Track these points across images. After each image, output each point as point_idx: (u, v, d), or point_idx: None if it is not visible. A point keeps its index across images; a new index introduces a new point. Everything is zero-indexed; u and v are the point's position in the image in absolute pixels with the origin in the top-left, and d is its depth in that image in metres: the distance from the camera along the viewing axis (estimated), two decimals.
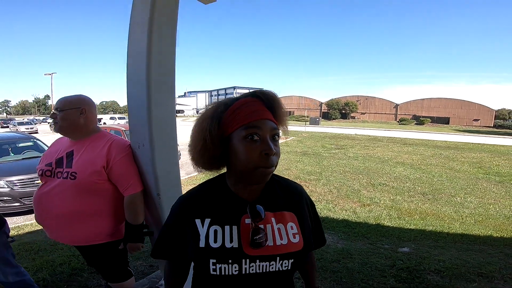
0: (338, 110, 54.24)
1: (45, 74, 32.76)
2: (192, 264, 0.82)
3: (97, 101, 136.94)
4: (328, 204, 5.95)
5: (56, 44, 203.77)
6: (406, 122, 46.85)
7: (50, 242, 3.65)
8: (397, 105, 51.59)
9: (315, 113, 57.47)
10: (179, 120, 49.86)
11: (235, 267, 0.74)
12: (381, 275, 2.65)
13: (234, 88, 77.61)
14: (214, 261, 0.74)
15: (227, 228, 0.77)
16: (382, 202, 6.30)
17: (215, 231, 0.76)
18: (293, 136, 20.42)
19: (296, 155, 12.19)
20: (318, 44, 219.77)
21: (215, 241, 0.75)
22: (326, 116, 55.16)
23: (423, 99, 49.46)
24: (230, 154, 0.76)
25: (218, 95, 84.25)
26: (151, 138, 1.45)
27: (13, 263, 1.80)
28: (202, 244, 0.76)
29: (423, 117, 46.89)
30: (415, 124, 46.23)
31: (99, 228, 1.53)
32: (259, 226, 0.75)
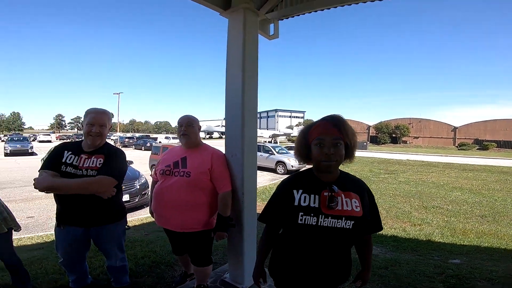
0: (388, 134, 51.54)
1: (114, 93, 37.58)
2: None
3: (152, 121, 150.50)
4: None
5: (121, 67, 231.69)
6: (466, 147, 42.11)
7: (131, 238, 4.33)
8: (455, 128, 47.16)
9: (362, 137, 55.31)
10: (223, 141, 52.33)
11: (314, 219, 1.17)
12: (429, 280, 2.70)
13: (276, 111, 78.99)
14: (302, 213, 1.18)
15: (312, 195, 1.21)
16: (434, 222, 6.04)
17: (305, 197, 1.22)
18: None
19: None
20: (364, 62, 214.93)
21: (304, 202, 1.21)
22: (374, 140, 52.75)
23: (487, 121, 44.58)
24: (312, 154, 1.24)
25: (260, 117, 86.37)
26: (242, 150, 1.97)
27: (124, 250, 2.16)
28: (296, 203, 1.21)
29: (486, 141, 41.87)
30: (477, 149, 41.44)
31: (200, 217, 2.02)
32: (334, 196, 1.19)
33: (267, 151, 14.56)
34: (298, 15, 2.56)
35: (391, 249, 4.19)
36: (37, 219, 6.01)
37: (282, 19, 2.65)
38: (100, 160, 1.86)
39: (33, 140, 33.68)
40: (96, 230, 1.92)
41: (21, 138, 25.48)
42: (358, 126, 58.19)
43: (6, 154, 20.32)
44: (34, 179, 1.74)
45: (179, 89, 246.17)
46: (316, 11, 2.46)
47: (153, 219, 2.20)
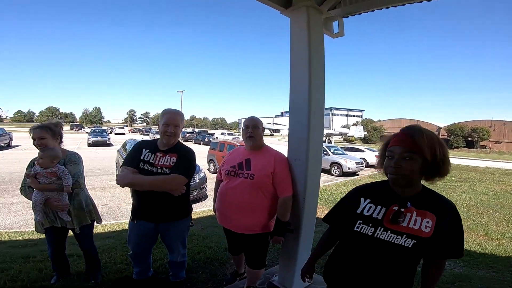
0: (463, 137, 45.38)
1: (177, 91, 40.35)
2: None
3: (209, 117, 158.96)
4: None
5: (183, 66, 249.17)
6: None
7: (189, 232, 4.59)
8: None
9: None
10: (275, 139, 52.46)
11: (371, 230, 1.13)
12: None
13: (330, 109, 75.61)
14: (360, 221, 1.17)
15: (378, 207, 1.17)
16: None
17: (370, 207, 1.19)
18: None
19: None
20: (435, 59, 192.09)
21: (367, 212, 1.18)
22: (447, 143, 47.00)
23: None
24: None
25: None
26: (307, 155, 1.89)
27: (186, 246, 2.27)
28: (358, 211, 1.20)
29: None
30: None
31: (259, 220, 2.03)
32: (401, 212, 1.11)
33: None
34: (366, 12, 2.37)
35: (461, 264, 3.71)
36: (110, 207, 6.74)
37: (347, 17, 2.48)
38: (173, 159, 1.99)
39: (110, 133, 38.53)
40: (165, 226, 2.06)
41: (101, 130, 29.28)
42: (427, 127, 52.10)
43: (89, 144, 23.68)
44: (117, 175, 1.93)
45: (233, 86, 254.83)
46: (380, 9, 2.29)
47: (210, 214, 2.28)
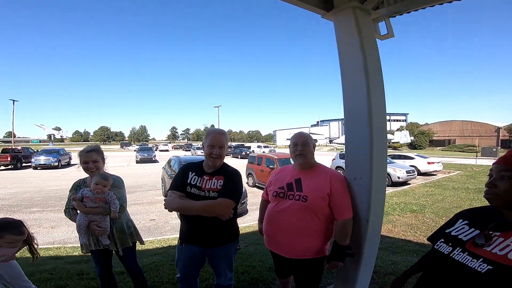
0: None
1: (214, 107, 41.94)
2: None
3: (245, 130, 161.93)
4: None
5: (222, 80, 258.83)
6: None
7: None
8: None
9: (489, 141, 44.71)
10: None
11: (449, 249, 1.05)
12: None
13: None
14: (443, 240, 1.11)
15: (472, 229, 1.08)
16: None
17: (463, 228, 1.11)
18: (459, 171, 16.61)
19: (467, 192, 9.79)
20: (489, 49, 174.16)
21: (456, 232, 1.11)
22: (508, 145, 41.76)
23: None
24: None
25: None
26: (370, 173, 1.66)
27: (233, 269, 2.16)
28: (448, 230, 1.14)
29: None
30: None
31: (313, 244, 1.85)
32: (490, 236, 0.99)
33: None
34: (410, 12, 2.12)
35: None
36: (157, 221, 6.99)
37: (394, 16, 2.24)
38: (220, 182, 1.93)
39: (155, 150, 41.04)
40: (213, 250, 1.99)
41: (147, 148, 31.27)
42: (483, 129, 47.35)
43: (137, 162, 25.36)
44: (165, 200, 1.91)
45: (267, 98, 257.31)
46: (433, 6, 2.08)
47: (252, 230, 2.14)
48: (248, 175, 12.51)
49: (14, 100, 40.05)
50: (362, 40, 1.72)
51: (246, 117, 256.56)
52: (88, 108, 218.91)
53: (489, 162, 22.95)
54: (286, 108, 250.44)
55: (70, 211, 2.24)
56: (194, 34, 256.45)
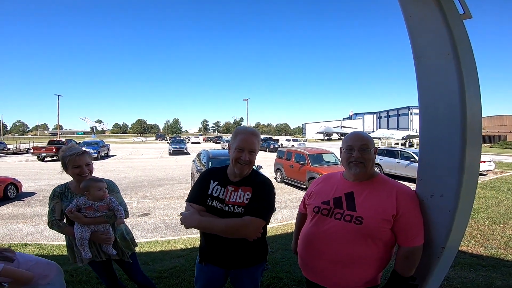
0: None
1: (243, 100, 42.08)
2: None
3: (273, 123, 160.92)
4: None
5: (250, 73, 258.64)
6: None
7: None
8: None
9: None
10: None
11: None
12: None
13: (409, 108, 66.91)
14: None
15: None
16: None
17: None
18: None
19: None
20: None
21: None
22: None
23: None
24: None
25: (389, 116, 75.66)
26: (458, 188, 1.22)
27: None
28: None
29: None
30: None
31: (364, 275, 1.46)
32: None
33: (406, 157, 12.04)
34: None
35: None
36: None
37: None
38: (247, 194, 1.60)
39: (187, 142, 42.10)
40: (237, 272, 1.71)
41: (179, 140, 32.16)
42: None
43: (170, 154, 26.14)
44: (181, 214, 1.62)
45: (296, 89, 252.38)
46: None
47: (280, 232, 1.79)
48: (277, 170, 12.14)
49: (58, 95, 43.39)
50: (445, 12, 1.27)
51: (275, 110, 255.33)
52: (127, 101, 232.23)
53: None
54: (317, 101, 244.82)
55: (58, 223, 1.95)
56: (227, 29, 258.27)
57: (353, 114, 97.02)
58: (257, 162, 14.11)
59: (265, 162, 18.34)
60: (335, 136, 76.35)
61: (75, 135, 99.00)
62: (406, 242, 1.39)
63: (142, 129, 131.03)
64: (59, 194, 1.99)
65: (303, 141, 43.06)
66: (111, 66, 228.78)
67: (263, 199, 1.58)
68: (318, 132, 78.01)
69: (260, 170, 8.67)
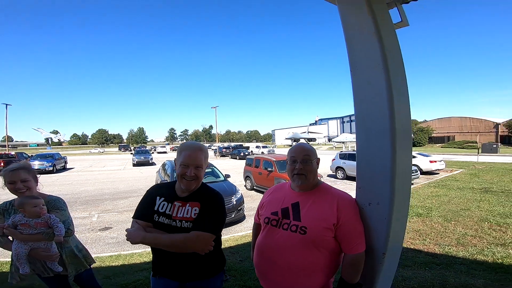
0: None
1: (212, 107, 41.73)
2: None
3: (244, 130, 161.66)
4: None
5: (217, 80, 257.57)
6: None
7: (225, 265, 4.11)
8: None
9: (488, 137, 44.51)
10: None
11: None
12: None
13: None
14: None
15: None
16: None
17: None
18: (461, 169, 16.24)
19: (473, 192, 9.42)
20: (481, 49, 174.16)
21: None
22: (507, 140, 41.58)
23: None
24: None
25: (351, 120, 79.79)
26: (391, 196, 1.25)
27: None
28: None
29: None
30: None
31: (314, 283, 1.48)
32: None
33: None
34: None
35: None
36: None
37: (408, 2, 1.86)
38: (195, 209, 1.58)
39: (153, 152, 40.56)
40: (193, 285, 1.65)
41: (144, 150, 30.89)
42: (482, 125, 47.22)
43: (134, 165, 24.95)
44: (126, 230, 1.58)
45: (264, 97, 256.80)
46: None
47: (249, 240, 1.77)
48: (246, 177, 12.18)
49: (7, 104, 39.59)
50: (377, 25, 1.32)
51: (245, 117, 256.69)
52: (86, 111, 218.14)
53: (490, 158, 22.69)
54: (285, 107, 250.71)
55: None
56: (191, 35, 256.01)
57: (319, 120, 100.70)
58: (227, 170, 14.00)
59: (235, 170, 18.30)
60: (302, 141, 78.34)
61: (28, 147, 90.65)
62: (349, 249, 1.43)
63: (104, 139, 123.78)
64: (2, 211, 2.00)
65: (272, 148, 43.69)
66: (68, 73, 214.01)
67: (211, 213, 1.57)
68: (286, 138, 79.73)
69: (228, 178, 8.60)
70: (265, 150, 35.39)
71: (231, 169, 18.51)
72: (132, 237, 1.53)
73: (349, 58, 1.45)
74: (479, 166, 17.04)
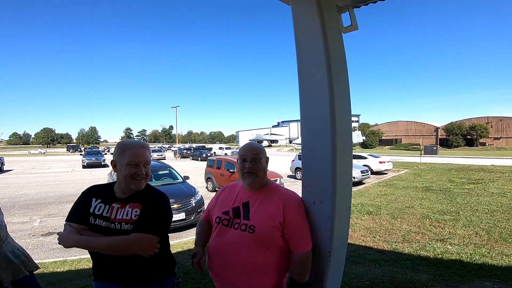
0: (461, 136, 45.19)
1: (172, 107, 40.36)
2: None
3: (207, 131, 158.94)
4: (479, 249, 4.67)
5: (178, 81, 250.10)
6: None
7: (184, 269, 3.96)
8: None
9: (429, 140, 49.60)
10: (273, 150, 51.75)
11: None
12: None
13: None
14: None
15: None
16: None
17: None
18: (407, 169, 17.82)
19: (416, 190, 10.39)
20: (427, 57, 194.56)
21: None
22: (445, 143, 46.74)
23: None
24: None
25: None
26: (333, 194, 1.29)
27: None
28: None
29: None
30: None
31: (267, 283, 1.47)
32: None
33: None
34: (376, 2, 1.88)
35: None
36: None
37: (359, 6, 1.98)
38: (136, 211, 1.48)
39: (106, 153, 37.82)
40: None
41: (95, 151, 28.68)
42: (424, 129, 52.49)
43: (84, 167, 23.02)
44: (58, 233, 1.44)
45: (229, 98, 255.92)
46: None
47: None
48: (208, 179, 12.00)
49: None
50: (324, 27, 1.35)
51: (208, 118, 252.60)
52: (30, 108, 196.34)
53: (431, 159, 25.26)
54: (250, 109, 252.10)
55: None
56: (153, 29, 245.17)
57: (281, 122, 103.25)
58: (187, 172, 13.54)
59: (197, 171, 17.87)
60: (265, 143, 79.78)
61: None
62: (296, 248, 1.44)
63: (50, 139, 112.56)
64: None
65: (236, 149, 43.64)
66: (7, 66, 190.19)
67: (154, 213, 1.48)
68: (250, 140, 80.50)
69: (187, 180, 8.34)
70: (229, 152, 35.17)
71: (192, 171, 18.04)
72: (65, 240, 1.40)
73: (297, 58, 1.47)
74: (422, 167, 18.87)
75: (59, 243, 1.42)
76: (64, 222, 1.52)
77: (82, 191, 1.61)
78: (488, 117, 45.74)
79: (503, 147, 41.71)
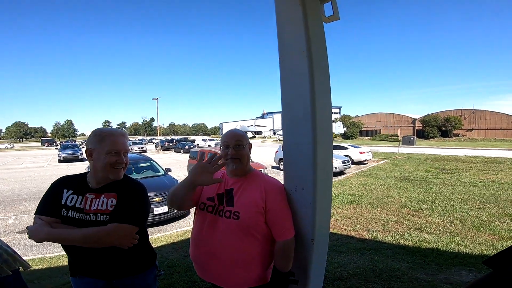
0: (437, 127, 47.22)
1: (152, 99, 39.41)
2: None
3: (189, 123, 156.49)
4: (454, 238, 4.91)
5: (160, 72, 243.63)
6: None
7: (168, 262, 3.92)
8: None
9: (407, 131, 51.46)
10: (258, 142, 51.89)
11: None
12: None
13: None
14: None
15: None
16: None
17: None
18: (385, 159, 18.43)
19: (395, 180, 10.79)
20: (406, 51, 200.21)
21: None
22: (421, 134, 48.64)
23: None
24: None
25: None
26: (314, 181, 1.29)
27: None
28: None
29: None
30: None
31: (253, 272, 1.47)
32: None
33: None
34: None
35: (483, 272, 3.36)
36: None
37: None
38: (112, 201, 1.43)
39: (83, 147, 36.39)
40: (120, 282, 1.51)
41: (72, 145, 27.53)
42: (402, 120, 54.32)
43: (60, 161, 22.08)
44: (27, 227, 1.38)
45: (212, 90, 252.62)
46: None
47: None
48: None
49: None
50: (306, 14, 1.33)
51: (191, 110, 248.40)
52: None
53: (408, 150, 26.25)
54: (234, 101, 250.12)
55: None
56: (132, 19, 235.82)
57: (266, 113, 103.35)
58: (169, 165, 13.33)
59: (179, 163, 17.61)
60: (249, 134, 79.83)
61: None
62: (278, 235, 1.44)
63: (22, 133, 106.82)
64: None
65: (219, 140, 43.30)
66: None
67: (132, 203, 1.43)
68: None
69: (169, 172, 8.20)
70: (212, 143, 34.80)
71: (175, 163, 17.76)
72: (35, 234, 1.33)
73: (279, 46, 1.45)
74: (400, 157, 19.58)
75: (29, 238, 1.35)
76: (34, 216, 1.44)
77: (52, 183, 1.53)
78: (461, 109, 47.96)
79: (475, 138, 43.99)
